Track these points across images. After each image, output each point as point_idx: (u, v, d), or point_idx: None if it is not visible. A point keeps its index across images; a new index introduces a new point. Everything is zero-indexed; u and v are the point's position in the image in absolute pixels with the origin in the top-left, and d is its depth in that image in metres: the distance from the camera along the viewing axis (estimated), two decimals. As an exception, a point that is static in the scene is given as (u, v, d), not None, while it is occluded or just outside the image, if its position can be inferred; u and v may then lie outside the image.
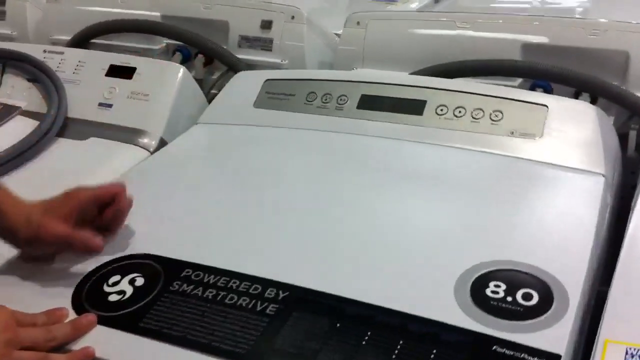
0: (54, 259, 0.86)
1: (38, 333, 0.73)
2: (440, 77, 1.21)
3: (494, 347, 0.68)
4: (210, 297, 0.77)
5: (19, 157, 1.17)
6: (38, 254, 0.86)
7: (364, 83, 1.18)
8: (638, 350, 0.67)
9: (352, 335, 0.71)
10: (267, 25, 1.44)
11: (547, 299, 0.74)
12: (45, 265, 0.85)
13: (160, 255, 0.85)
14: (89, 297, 0.80)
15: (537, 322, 0.71)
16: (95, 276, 0.83)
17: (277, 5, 1.45)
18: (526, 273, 0.78)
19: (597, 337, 0.70)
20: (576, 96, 1.22)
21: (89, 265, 0.85)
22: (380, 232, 0.88)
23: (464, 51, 1.30)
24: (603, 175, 0.98)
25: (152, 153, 1.19)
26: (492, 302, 0.74)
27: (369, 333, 0.71)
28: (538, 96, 1.12)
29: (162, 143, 1.21)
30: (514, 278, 0.77)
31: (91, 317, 0.76)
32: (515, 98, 1.10)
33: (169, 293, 0.79)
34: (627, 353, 0.66)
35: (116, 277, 0.82)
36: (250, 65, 1.44)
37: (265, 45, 1.44)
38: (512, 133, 1.06)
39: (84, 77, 1.33)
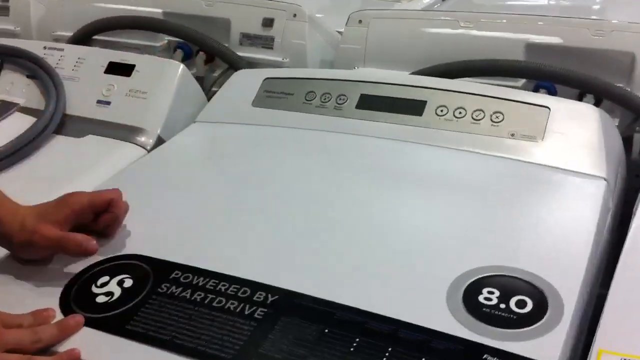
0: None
1: (24, 335, 0.72)
2: (442, 77, 1.19)
3: (485, 356, 0.66)
4: (198, 299, 0.76)
5: (16, 154, 1.16)
6: (33, 258, 0.85)
7: (364, 82, 1.17)
8: (633, 361, 0.65)
9: (340, 342, 0.69)
10: (268, 23, 1.43)
11: (541, 306, 0.72)
12: (36, 265, 0.84)
13: (150, 256, 0.84)
14: (77, 298, 0.79)
15: (530, 330, 0.70)
16: (84, 277, 0.82)
17: (279, 3, 1.44)
18: (521, 279, 0.76)
19: (592, 346, 0.68)
20: (580, 98, 1.21)
21: (79, 265, 0.84)
22: (375, 235, 0.87)
23: (467, 51, 1.28)
24: (605, 179, 0.96)
25: (149, 151, 1.18)
26: (484, 309, 0.72)
27: (357, 339, 0.69)
28: (540, 97, 1.10)
29: (160, 141, 1.20)
30: (508, 284, 0.75)
31: (78, 318, 0.75)
32: (517, 99, 1.08)
33: (157, 295, 0.77)
34: (621, 364, 0.65)
35: (105, 278, 0.81)
36: (251, 64, 1.43)
37: (267, 43, 1.43)
38: (513, 135, 1.04)
39: (83, 74, 1.32)
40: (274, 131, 1.15)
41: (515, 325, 0.70)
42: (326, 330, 0.71)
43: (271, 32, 1.43)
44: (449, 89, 1.12)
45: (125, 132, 1.21)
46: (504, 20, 1.30)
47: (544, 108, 1.06)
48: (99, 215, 0.87)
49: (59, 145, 1.20)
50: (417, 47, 1.34)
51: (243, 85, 1.25)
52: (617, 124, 1.17)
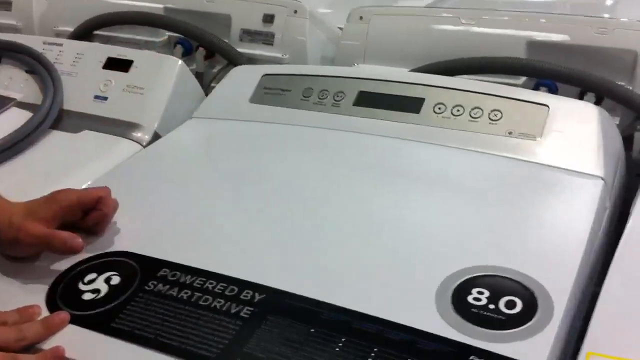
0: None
1: (8, 333, 0.72)
2: (441, 74, 1.18)
3: (471, 357, 0.65)
4: (184, 298, 0.75)
5: (12, 148, 1.15)
6: (21, 256, 0.84)
7: (362, 79, 1.16)
8: (621, 365, 0.64)
9: (326, 341, 0.68)
10: (269, 19, 1.42)
11: (531, 307, 0.71)
12: (25, 262, 0.84)
13: (138, 253, 0.83)
14: (64, 295, 0.78)
15: (518, 331, 0.69)
16: (71, 274, 0.81)
17: (279, -1, 1.43)
18: (511, 279, 0.75)
19: (580, 349, 0.67)
20: (581, 96, 1.19)
21: (67, 262, 0.83)
22: (367, 234, 0.86)
23: (468, 48, 1.26)
24: (602, 179, 0.95)
25: (145, 147, 1.17)
26: (473, 310, 0.71)
27: (343, 339, 0.68)
28: (539, 96, 1.08)
29: (156, 137, 1.19)
30: (498, 285, 0.74)
31: (63, 315, 0.75)
32: (516, 97, 1.07)
33: (144, 293, 0.77)
34: (609, 367, 0.64)
35: (92, 275, 0.80)
36: (251, 60, 1.42)
37: (267, 39, 1.42)
38: (511, 133, 1.03)
39: (81, 69, 1.31)
40: (270, 128, 1.14)
41: (504, 326, 0.69)
42: (312, 330, 0.70)
43: (271, 28, 1.42)
44: (447, 86, 1.11)
45: (122, 128, 1.20)
46: (506, 18, 1.29)
47: (543, 106, 1.05)
48: (87, 212, 0.86)
49: (55, 140, 1.20)
50: (418, 43, 1.32)
51: (241, 81, 1.24)
52: (617, 123, 1.16)
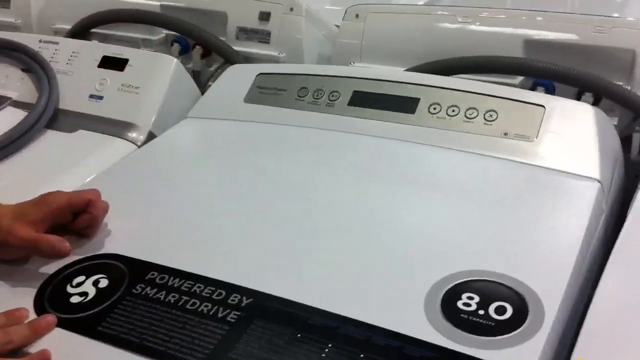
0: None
1: (-5, 336, 0.72)
2: (437, 74, 1.17)
3: (458, 364, 0.65)
4: (172, 301, 0.75)
5: (6, 148, 1.15)
6: (9, 258, 0.84)
7: (357, 79, 1.15)
8: (610, 372, 0.63)
9: (312, 347, 0.68)
10: (265, 17, 1.41)
11: (521, 313, 0.70)
12: (14, 265, 0.84)
13: (128, 255, 0.82)
14: (52, 297, 0.78)
15: (507, 337, 0.68)
16: (60, 276, 0.81)
17: (277, -4, 1.42)
18: (502, 285, 0.74)
19: (571, 355, 0.66)
20: (579, 96, 1.18)
21: (56, 265, 0.83)
22: (358, 237, 0.85)
23: (465, 46, 1.25)
24: (598, 181, 0.94)
25: (139, 147, 1.17)
26: (462, 315, 0.70)
27: (329, 345, 0.68)
28: (535, 96, 1.07)
29: (151, 137, 1.18)
30: (489, 290, 0.73)
31: (50, 318, 0.74)
32: (511, 97, 1.05)
33: (131, 296, 0.76)
34: (598, 375, 0.63)
35: (81, 278, 0.80)
36: (248, 58, 1.41)
37: (263, 37, 1.41)
38: (506, 134, 1.02)
39: (76, 68, 1.31)
40: (264, 128, 1.13)
41: (493, 332, 0.68)
42: (299, 335, 0.69)
43: (268, 26, 1.41)
44: (442, 86, 1.10)
45: (117, 128, 1.20)
46: (503, 16, 1.27)
47: (539, 107, 1.03)
48: (78, 215, 0.86)
49: (49, 140, 1.19)
50: (414, 42, 1.31)
51: (235, 80, 1.23)
52: (616, 123, 1.15)
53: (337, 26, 1.43)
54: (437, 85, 1.10)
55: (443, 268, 0.77)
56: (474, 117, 1.05)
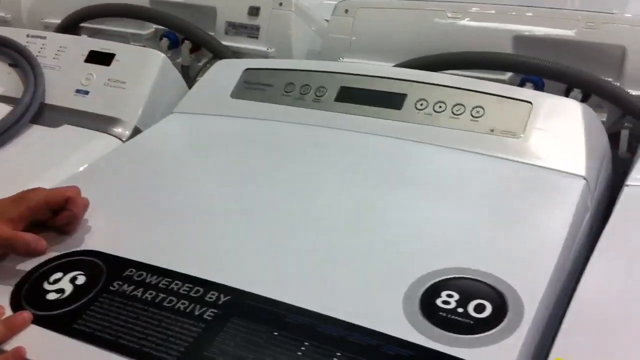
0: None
1: (-31, 334, 0.71)
2: (425, 69, 1.16)
3: (435, 363, 0.64)
4: (149, 299, 0.74)
5: (-10, 143, 1.14)
6: None
7: (344, 75, 1.14)
8: (588, 371, 0.62)
9: (288, 345, 0.67)
10: (254, 11, 1.40)
11: (500, 310, 0.69)
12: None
13: (106, 252, 0.82)
14: (28, 294, 0.77)
15: (486, 335, 0.67)
16: (37, 273, 0.80)
17: (265, -9, 1.41)
18: (482, 282, 0.73)
19: (549, 354, 0.66)
20: (567, 92, 1.17)
21: (34, 262, 0.82)
22: (339, 234, 0.84)
23: (455, 42, 1.25)
24: (584, 178, 0.93)
25: (125, 142, 1.16)
26: (441, 313, 0.69)
27: (306, 343, 0.67)
28: (522, 92, 1.06)
29: (137, 132, 1.18)
30: (468, 287, 0.73)
31: (25, 315, 0.73)
32: (499, 94, 1.05)
33: (108, 293, 0.75)
34: (576, 374, 0.62)
35: (58, 275, 0.79)
36: (237, 53, 1.40)
37: (252, 32, 1.40)
38: (493, 131, 1.01)
39: (63, 62, 1.30)
40: (250, 124, 1.12)
41: (472, 330, 0.67)
42: (275, 333, 0.68)
43: (257, 21, 1.40)
44: (430, 82, 1.09)
45: (102, 123, 1.19)
46: (492, 11, 1.27)
47: (526, 103, 1.02)
48: (57, 212, 0.85)
49: (35, 135, 1.19)
50: (404, 37, 1.31)
51: (222, 75, 1.22)
52: (604, 120, 1.14)
53: (327, 21, 1.42)
54: (424, 81, 1.09)
55: (423, 265, 0.76)
56: (460, 113, 1.04)
